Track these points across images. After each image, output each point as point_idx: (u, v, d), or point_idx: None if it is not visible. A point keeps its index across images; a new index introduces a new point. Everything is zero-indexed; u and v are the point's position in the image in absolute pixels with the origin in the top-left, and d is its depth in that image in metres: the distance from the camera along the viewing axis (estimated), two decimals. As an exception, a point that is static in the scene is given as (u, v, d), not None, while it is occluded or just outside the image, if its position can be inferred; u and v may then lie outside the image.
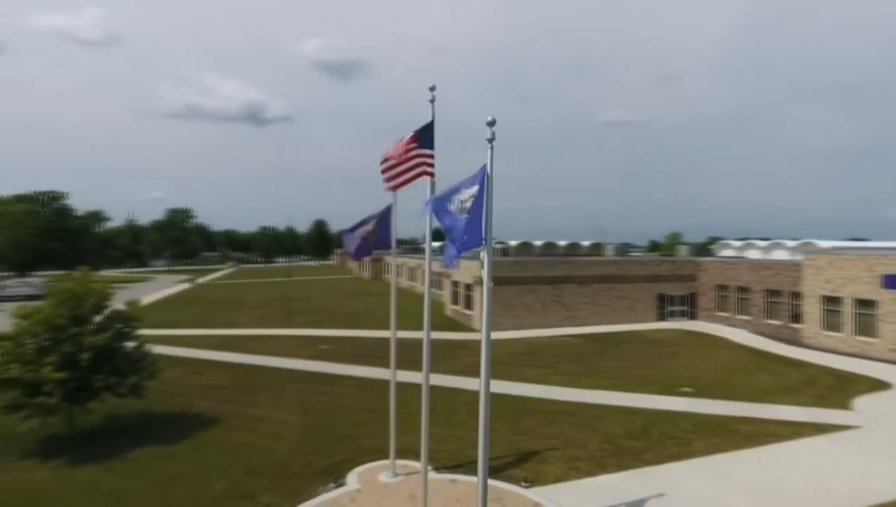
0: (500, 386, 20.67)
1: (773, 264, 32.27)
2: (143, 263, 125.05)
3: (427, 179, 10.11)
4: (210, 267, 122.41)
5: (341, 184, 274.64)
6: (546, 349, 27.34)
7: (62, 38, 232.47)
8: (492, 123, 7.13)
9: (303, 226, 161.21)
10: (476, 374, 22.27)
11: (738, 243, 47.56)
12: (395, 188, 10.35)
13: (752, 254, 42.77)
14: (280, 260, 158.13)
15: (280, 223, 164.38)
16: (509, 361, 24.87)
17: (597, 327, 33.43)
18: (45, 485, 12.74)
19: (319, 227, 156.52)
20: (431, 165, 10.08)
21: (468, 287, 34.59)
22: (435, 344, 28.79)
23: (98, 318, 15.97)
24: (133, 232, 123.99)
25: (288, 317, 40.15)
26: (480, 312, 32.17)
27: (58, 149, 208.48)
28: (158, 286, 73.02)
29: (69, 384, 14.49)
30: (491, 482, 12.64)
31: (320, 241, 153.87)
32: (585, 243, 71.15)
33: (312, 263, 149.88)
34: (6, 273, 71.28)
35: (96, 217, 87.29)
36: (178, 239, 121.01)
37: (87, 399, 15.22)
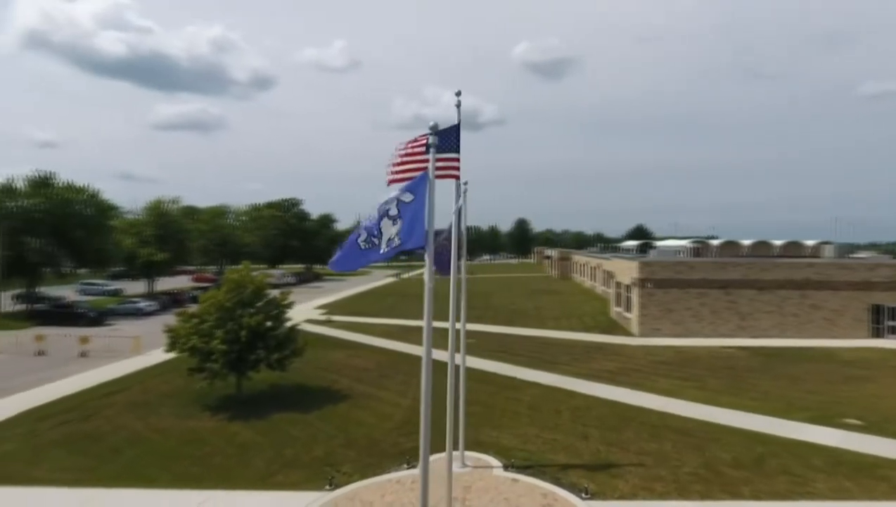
0: (620, 394, 19.61)
1: None
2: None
3: (452, 181, 10.57)
4: (416, 263, 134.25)
5: (547, 182, 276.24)
6: (698, 361, 24.65)
7: (315, 68, 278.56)
8: (434, 128, 7.44)
9: (506, 225, 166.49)
10: (603, 379, 21.50)
11: None
12: (391, 183, 10.58)
13: None
14: (485, 257, 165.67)
15: (489, 222, 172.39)
16: (647, 369, 23.18)
17: (779, 340, 28.73)
18: (203, 433, 16.32)
19: (521, 225, 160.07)
20: (457, 169, 10.49)
21: (628, 288, 32.71)
22: (576, 345, 28.43)
23: (259, 303, 19.62)
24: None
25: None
26: (639, 315, 30.34)
27: (310, 161, 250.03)
28: (371, 280, 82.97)
29: (231, 356, 18.20)
30: (549, 486, 12.58)
31: (521, 239, 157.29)
32: (809, 243, 61.08)
33: (513, 260, 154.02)
34: (259, 266, 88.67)
35: (328, 219, 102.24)
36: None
37: (245, 369, 18.91)
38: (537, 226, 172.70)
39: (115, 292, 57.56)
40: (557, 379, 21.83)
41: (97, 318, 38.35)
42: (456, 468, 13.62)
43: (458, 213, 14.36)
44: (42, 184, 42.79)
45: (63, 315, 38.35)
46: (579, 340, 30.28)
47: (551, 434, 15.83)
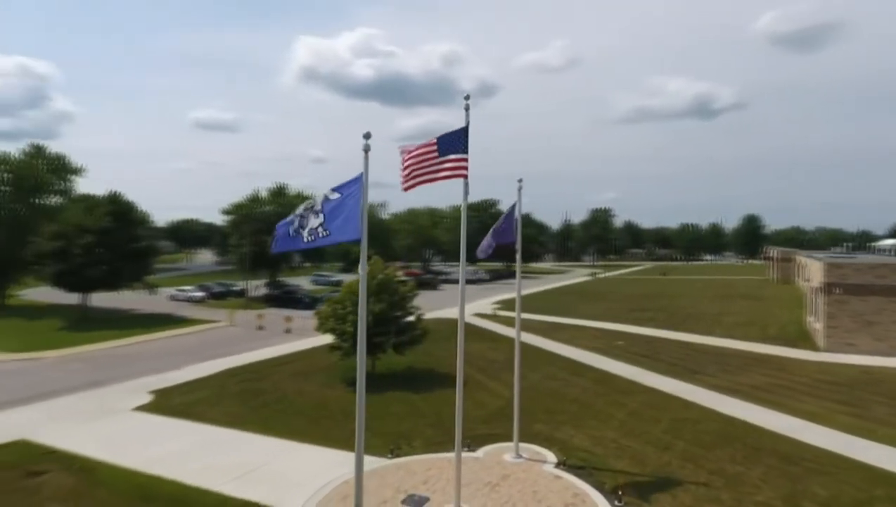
0: (747, 411, 17.53)
1: None
2: (574, 257, 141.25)
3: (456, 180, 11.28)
4: (625, 263, 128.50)
5: (798, 172, 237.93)
6: (881, 385, 20.04)
7: (535, 70, 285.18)
8: (367, 136, 8.49)
9: (734, 221, 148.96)
10: (740, 394, 19.32)
11: None
12: (407, 189, 11.31)
13: None
14: (708, 257, 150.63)
15: (712, 218, 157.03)
16: (802, 388, 19.82)
17: None
18: (329, 399, 19.46)
19: (750, 223, 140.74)
20: (465, 169, 11.15)
21: (817, 295, 27.69)
22: (735, 355, 25.61)
23: (386, 294, 22.31)
24: (566, 230, 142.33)
25: (625, 313, 40.75)
26: (825, 326, 25.59)
27: (526, 161, 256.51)
28: (566, 278, 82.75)
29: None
30: (586, 487, 12.63)
31: (749, 238, 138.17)
32: None
33: (737, 261, 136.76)
34: (455, 264, 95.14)
35: (526, 219, 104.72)
36: (599, 236, 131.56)
37: (373, 350, 21.73)
38: (781, 223, 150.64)
39: (337, 283, 68.05)
40: (682, 388, 20.17)
41: (311, 303, 46.35)
42: (510, 458, 14.18)
43: (512, 208, 14.92)
44: (278, 193, 53.26)
45: (288, 299, 47.40)
46: (744, 350, 26.86)
47: (629, 441, 15.16)
